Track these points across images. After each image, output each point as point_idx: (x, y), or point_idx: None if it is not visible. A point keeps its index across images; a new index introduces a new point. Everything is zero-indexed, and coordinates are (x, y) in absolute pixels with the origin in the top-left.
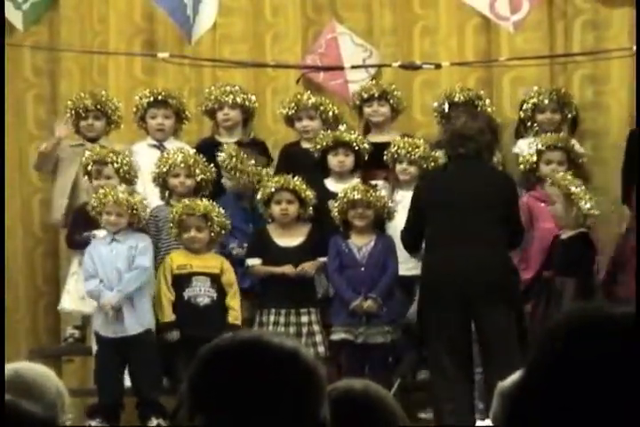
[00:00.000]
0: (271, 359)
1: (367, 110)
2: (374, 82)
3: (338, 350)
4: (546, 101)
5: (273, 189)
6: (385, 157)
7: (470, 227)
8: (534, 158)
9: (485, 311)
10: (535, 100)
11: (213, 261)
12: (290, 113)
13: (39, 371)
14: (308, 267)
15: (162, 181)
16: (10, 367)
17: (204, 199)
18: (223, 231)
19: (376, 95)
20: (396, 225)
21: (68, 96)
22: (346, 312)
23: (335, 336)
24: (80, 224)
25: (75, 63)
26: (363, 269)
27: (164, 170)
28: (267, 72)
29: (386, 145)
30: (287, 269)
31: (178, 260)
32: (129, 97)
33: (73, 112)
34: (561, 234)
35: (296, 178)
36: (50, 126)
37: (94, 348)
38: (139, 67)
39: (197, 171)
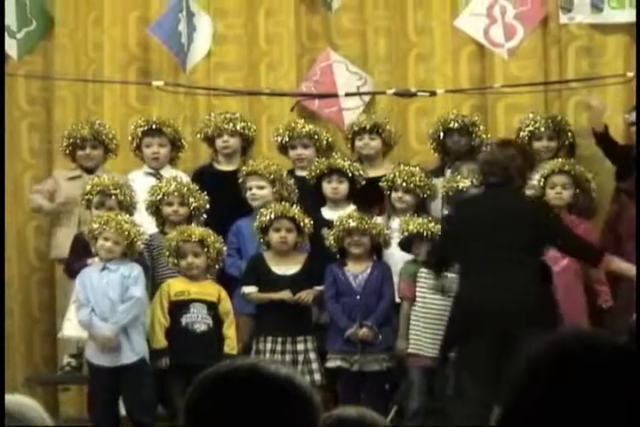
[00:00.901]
0: (267, 386)
1: (358, 143)
2: (366, 115)
3: (333, 378)
4: (542, 129)
5: (272, 217)
6: (381, 184)
7: (501, 255)
8: (541, 184)
9: (518, 342)
10: (531, 127)
11: (211, 289)
12: (284, 141)
13: (23, 402)
14: (306, 295)
15: (155, 209)
16: None
17: (198, 226)
18: (220, 257)
19: (367, 128)
20: (393, 252)
21: (63, 124)
22: (341, 340)
23: (331, 364)
24: (79, 253)
25: (69, 92)
26: (358, 296)
27: (158, 198)
28: (261, 100)
29: (377, 179)
30: (285, 295)
31: (176, 286)
32: (124, 125)
33: (70, 142)
34: None
35: (294, 206)
36: (44, 155)
37: (89, 376)
38: (133, 95)
39: (191, 199)
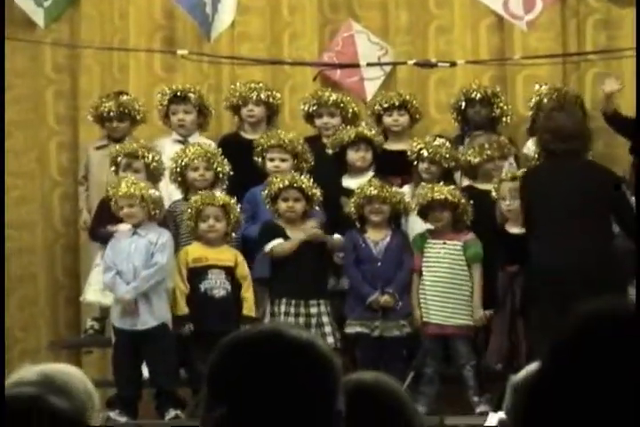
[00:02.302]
0: (288, 350)
1: (387, 120)
2: (394, 92)
3: (353, 344)
4: (545, 101)
5: (280, 186)
6: (409, 156)
7: (573, 221)
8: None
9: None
10: (537, 99)
11: (228, 254)
12: (310, 109)
13: (66, 371)
14: (316, 231)
15: (179, 176)
16: (36, 369)
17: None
18: (237, 225)
19: (396, 105)
20: (414, 220)
21: (89, 92)
22: (362, 306)
23: (350, 329)
24: (103, 218)
25: (95, 60)
26: (379, 264)
27: (183, 164)
28: (284, 69)
29: (402, 153)
30: (311, 230)
31: (194, 253)
32: (149, 93)
33: (96, 114)
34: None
35: (303, 176)
36: (69, 122)
37: (113, 339)
38: (158, 64)
39: (215, 164)
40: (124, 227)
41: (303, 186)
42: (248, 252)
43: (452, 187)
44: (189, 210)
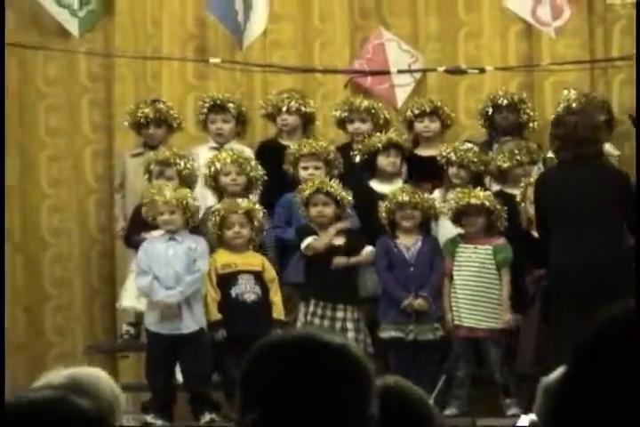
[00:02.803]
0: (321, 355)
1: (419, 126)
2: (425, 98)
3: (386, 348)
4: (573, 105)
5: (309, 192)
6: (438, 160)
7: (590, 224)
8: None
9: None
10: (565, 104)
11: (255, 259)
12: (342, 115)
13: (94, 374)
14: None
15: (213, 181)
16: (65, 373)
17: (255, 197)
18: (261, 230)
19: (428, 111)
20: (443, 225)
21: (123, 100)
22: (395, 310)
23: (384, 334)
24: (138, 224)
25: (129, 68)
26: (412, 268)
27: (215, 169)
28: (315, 77)
29: (432, 158)
30: (342, 225)
31: (222, 259)
32: (182, 101)
33: (133, 121)
34: None
35: (332, 180)
36: (104, 130)
37: (147, 343)
38: (191, 72)
39: (248, 168)
40: (157, 234)
41: (331, 190)
42: (284, 256)
43: (488, 193)
44: (213, 218)
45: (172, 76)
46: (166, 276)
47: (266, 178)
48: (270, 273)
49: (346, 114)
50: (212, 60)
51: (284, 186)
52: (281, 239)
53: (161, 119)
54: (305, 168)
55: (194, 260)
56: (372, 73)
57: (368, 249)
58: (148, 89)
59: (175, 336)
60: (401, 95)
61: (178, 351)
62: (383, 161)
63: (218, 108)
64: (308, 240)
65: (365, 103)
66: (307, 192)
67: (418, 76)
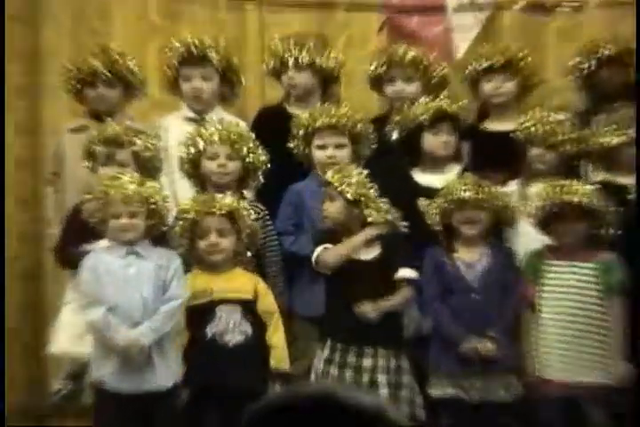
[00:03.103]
0: (342, 422)
1: (486, 87)
2: (493, 47)
3: (440, 411)
4: None
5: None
6: (515, 138)
7: None
8: None
9: None
10: None
11: (243, 282)
12: (379, 72)
13: None
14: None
15: (192, 167)
16: None
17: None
18: (254, 239)
19: (500, 65)
20: (523, 232)
21: (55, 50)
22: (453, 357)
23: (436, 391)
24: (78, 231)
25: (62, 4)
26: (475, 295)
27: (197, 150)
28: (336, 16)
29: (505, 136)
30: (370, 233)
31: (194, 284)
32: (140, 51)
33: (74, 78)
34: None
35: (359, 168)
36: (29, 93)
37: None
38: (154, 7)
39: (244, 149)
40: (104, 245)
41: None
42: (294, 276)
43: (590, 186)
44: (181, 222)
45: (126, 14)
46: (129, 306)
47: (269, 164)
48: (267, 302)
49: (383, 69)
50: None
51: (292, 173)
52: (289, 252)
53: (115, 76)
54: (321, 147)
55: (165, 283)
56: (419, 10)
57: (406, 273)
58: (91, 33)
59: (142, 395)
60: (461, 43)
61: (146, 417)
62: (431, 140)
63: (194, 58)
64: (317, 251)
65: (412, 54)
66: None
67: (484, 15)
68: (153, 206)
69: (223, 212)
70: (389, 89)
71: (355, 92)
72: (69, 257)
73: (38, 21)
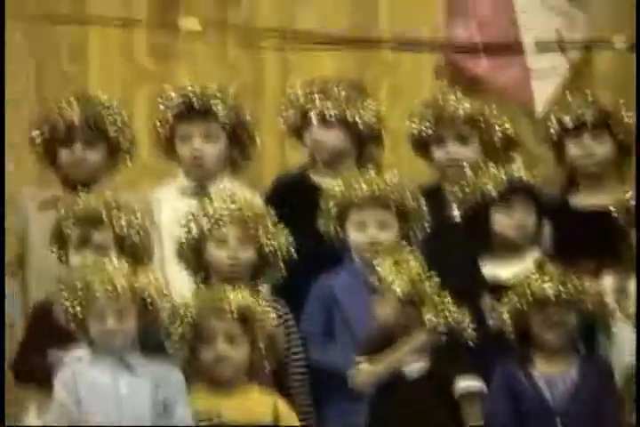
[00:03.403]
0: None
1: (574, 150)
2: (588, 96)
3: None
4: None
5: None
6: (612, 217)
7: None
8: None
9: None
10: None
11: (259, 403)
12: (425, 131)
13: None
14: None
15: (194, 253)
16: None
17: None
18: (276, 347)
19: (591, 122)
20: (622, 336)
21: (17, 97)
22: None
23: None
24: (43, 338)
25: (26, 38)
26: (560, 419)
27: (199, 232)
28: (380, 55)
29: (599, 214)
30: (419, 340)
31: (196, 403)
32: (127, 102)
33: (44, 134)
34: None
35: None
36: None
37: None
38: (142, 45)
39: (260, 232)
40: (83, 353)
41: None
42: (324, 394)
43: None
44: (181, 326)
45: (107, 53)
46: None
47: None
48: (290, 424)
49: (430, 130)
50: (185, 23)
51: (320, 260)
52: (318, 364)
53: (98, 131)
54: (360, 226)
55: (164, 404)
56: (490, 50)
57: (470, 384)
58: (62, 77)
59: None
60: (543, 90)
61: None
62: (501, 219)
63: (194, 112)
64: (363, 364)
65: (466, 107)
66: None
67: (575, 54)
68: (146, 304)
69: (234, 312)
70: (439, 153)
71: (403, 156)
72: (33, 370)
73: None
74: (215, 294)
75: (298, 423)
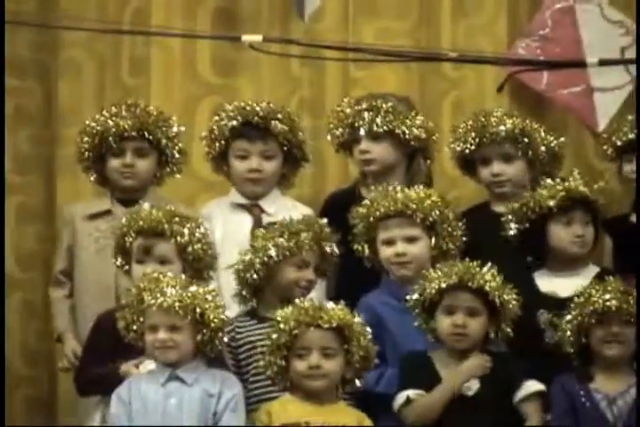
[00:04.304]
0: None
1: (627, 167)
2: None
3: None
4: None
5: (443, 285)
6: None
7: None
8: None
9: None
10: None
11: (346, 419)
12: (469, 148)
13: None
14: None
15: (250, 271)
16: None
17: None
18: (368, 363)
19: None
20: None
21: (73, 108)
22: None
23: None
24: (103, 350)
25: (85, 51)
26: None
27: (268, 257)
28: (442, 69)
29: None
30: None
31: (287, 413)
32: (190, 114)
33: (90, 144)
34: None
35: (485, 269)
36: (38, 165)
37: None
38: (207, 59)
39: (315, 247)
40: (150, 365)
41: (485, 285)
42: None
43: None
44: (276, 336)
45: (167, 66)
46: None
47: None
48: None
49: (474, 146)
50: (247, 38)
51: (366, 277)
52: (373, 393)
53: (148, 140)
54: (388, 242)
55: (215, 416)
56: (553, 64)
57: (534, 386)
58: (122, 89)
59: None
60: (605, 107)
61: None
62: (561, 233)
63: (253, 129)
64: (404, 395)
65: (511, 124)
66: (436, 287)
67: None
68: (202, 316)
69: (333, 325)
70: (484, 172)
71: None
72: (94, 381)
73: (51, 71)
74: (314, 307)
75: None
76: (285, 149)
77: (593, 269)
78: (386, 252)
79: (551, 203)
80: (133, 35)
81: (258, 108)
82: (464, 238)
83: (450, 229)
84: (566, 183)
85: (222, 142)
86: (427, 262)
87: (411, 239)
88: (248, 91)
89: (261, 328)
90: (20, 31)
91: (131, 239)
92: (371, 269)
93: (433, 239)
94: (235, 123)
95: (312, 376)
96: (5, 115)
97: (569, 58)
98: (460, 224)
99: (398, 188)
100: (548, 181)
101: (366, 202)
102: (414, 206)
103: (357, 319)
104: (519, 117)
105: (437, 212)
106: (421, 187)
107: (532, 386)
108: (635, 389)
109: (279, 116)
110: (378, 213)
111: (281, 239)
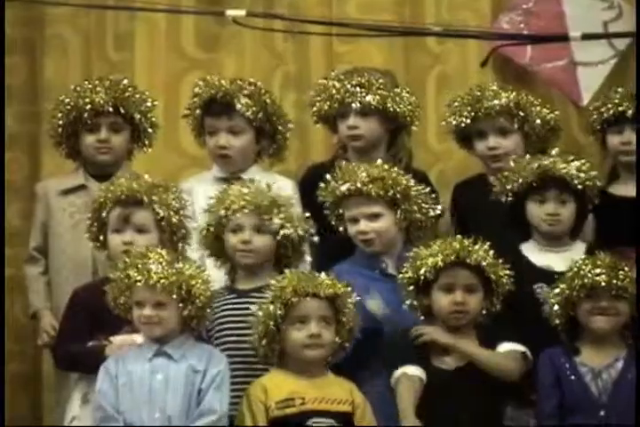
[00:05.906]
0: None
1: (613, 141)
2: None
3: None
4: None
5: (440, 264)
6: None
7: None
8: None
9: None
10: None
11: (339, 390)
12: (464, 122)
13: None
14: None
15: (214, 240)
16: None
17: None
18: (352, 334)
19: (629, 114)
20: None
21: (54, 86)
22: None
23: None
24: (84, 324)
25: (68, 27)
26: (603, 412)
27: (218, 219)
28: (427, 45)
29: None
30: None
31: (279, 388)
32: (174, 89)
33: (66, 119)
34: None
35: (479, 245)
36: (20, 138)
37: None
38: (190, 33)
39: (277, 219)
40: (140, 339)
41: (479, 259)
42: None
43: None
44: (271, 306)
45: (152, 42)
46: (151, 420)
47: (315, 238)
48: (366, 416)
49: (469, 119)
50: (231, 13)
51: (345, 249)
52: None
53: (122, 115)
54: (352, 220)
55: (200, 392)
56: (536, 39)
57: (511, 346)
58: (108, 65)
59: None
60: (589, 83)
61: None
62: (536, 210)
63: (221, 106)
64: (400, 372)
65: (504, 97)
66: (430, 265)
67: (622, 45)
68: (189, 292)
69: (328, 294)
70: (480, 145)
71: (452, 146)
72: (73, 360)
73: (36, 46)
74: (311, 276)
75: (371, 411)
76: (254, 124)
77: (578, 246)
78: (352, 229)
79: (526, 181)
80: (118, 10)
81: (222, 85)
82: (439, 210)
83: (419, 202)
84: (542, 161)
85: (197, 119)
86: (395, 236)
87: (373, 216)
88: (232, 65)
89: (240, 303)
90: (4, 8)
91: (108, 209)
92: (349, 241)
93: (398, 214)
94: (202, 99)
95: (310, 346)
96: None
97: (552, 32)
98: (434, 196)
99: (361, 166)
100: (527, 156)
101: (328, 180)
102: (372, 184)
103: (348, 289)
104: (514, 91)
105: (398, 188)
106: (385, 164)
107: (509, 346)
108: (622, 362)
109: (245, 91)
110: (338, 191)
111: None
